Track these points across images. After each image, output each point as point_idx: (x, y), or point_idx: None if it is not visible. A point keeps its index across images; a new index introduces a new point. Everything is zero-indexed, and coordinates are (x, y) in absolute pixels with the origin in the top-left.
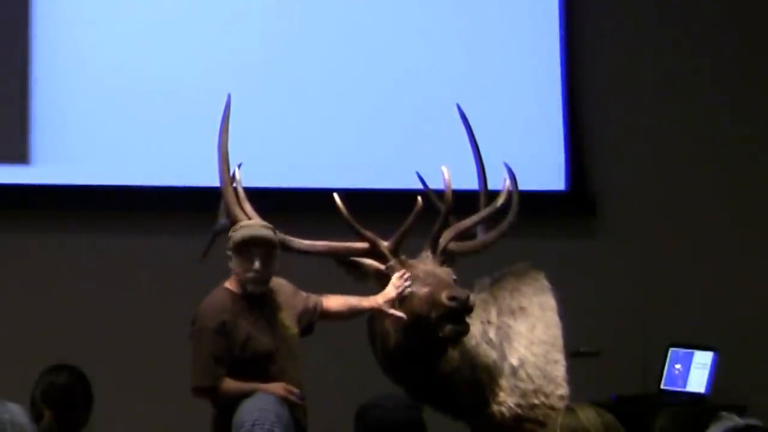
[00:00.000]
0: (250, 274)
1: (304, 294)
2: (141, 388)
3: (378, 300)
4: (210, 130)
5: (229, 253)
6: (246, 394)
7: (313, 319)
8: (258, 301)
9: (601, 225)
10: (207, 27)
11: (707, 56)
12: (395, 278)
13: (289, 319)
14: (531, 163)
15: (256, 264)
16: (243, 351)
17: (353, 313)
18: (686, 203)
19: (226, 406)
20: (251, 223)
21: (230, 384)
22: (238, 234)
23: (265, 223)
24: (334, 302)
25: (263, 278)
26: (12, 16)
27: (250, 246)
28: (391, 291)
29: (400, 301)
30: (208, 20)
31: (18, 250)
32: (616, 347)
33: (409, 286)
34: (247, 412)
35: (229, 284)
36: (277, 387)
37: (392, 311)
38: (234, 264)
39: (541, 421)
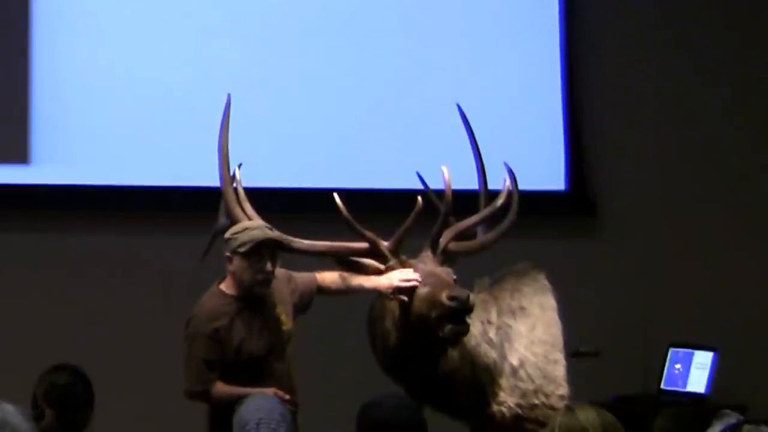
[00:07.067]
0: (260, 276)
1: (297, 276)
2: (142, 388)
3: (381, 282)
4: (210, 130)
5: (229, 254)
6: (238, 398)
7: (311, 299)
8: (254, 302)
9: (601, 225)
10: (206, 27)
11: (707, 56)
12: (403, 272)
13: (284, 314)
14: (531, 163)
15: (268, 266)
16: (237, 355)
17: (352, 292)
18: (686, 203)
19: (220, 406)
20: (255, 225)
21: (222, 388)
22: (245, 236)
23: (265, 223)
24: (330, 279)
25: (271, 279)
26: (12, 16)
27: (261, 248)
28: (395, 279)
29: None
30: (207, 20)
31: (18, 250)
32: (616, 347)
33: (415, 287)
34: (252, 410)
35: (224, 286)
36: (269, 392)
37: (398, 296)
38: (238, 267)
39: (541, 421)
